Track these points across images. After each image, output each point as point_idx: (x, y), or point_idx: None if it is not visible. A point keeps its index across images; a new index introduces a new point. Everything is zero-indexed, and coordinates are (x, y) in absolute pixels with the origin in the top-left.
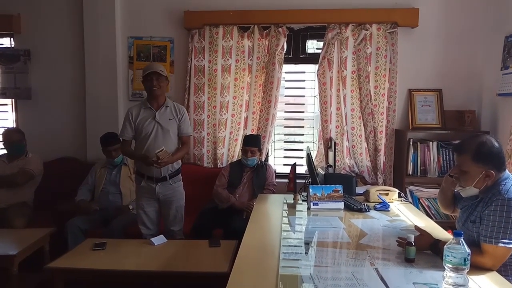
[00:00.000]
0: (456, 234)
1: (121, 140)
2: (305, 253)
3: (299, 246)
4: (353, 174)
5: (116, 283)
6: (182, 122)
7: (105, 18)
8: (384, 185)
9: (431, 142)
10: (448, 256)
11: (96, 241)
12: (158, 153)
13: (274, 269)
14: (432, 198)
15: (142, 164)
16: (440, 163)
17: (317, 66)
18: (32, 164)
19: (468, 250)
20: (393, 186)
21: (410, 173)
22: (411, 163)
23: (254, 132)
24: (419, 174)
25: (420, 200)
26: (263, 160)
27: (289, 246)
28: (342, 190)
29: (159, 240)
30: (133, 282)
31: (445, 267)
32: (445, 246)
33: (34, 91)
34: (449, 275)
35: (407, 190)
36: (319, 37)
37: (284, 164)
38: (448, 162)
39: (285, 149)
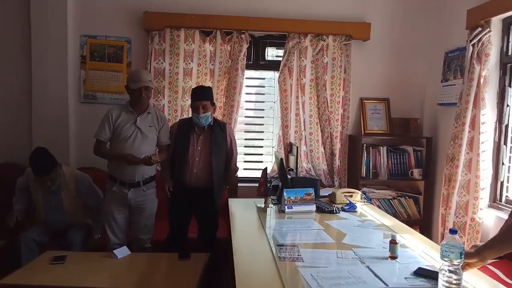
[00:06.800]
0: (452, 231)
1: (96, 140)
2: (298, 255)
3: (290, 248)
4: (317, 178)
5: None
6: (161, 131)
7: (55, 14)
8: (340, 187)
9: (381, 147)
10: (445, 251)
11: (56, 254)
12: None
13: (276, 273)
14: (382, 198)
15: (118, 166)
16: (389, 166)
17: (276, 73)
18: None
19: (462, 245)
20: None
21: (364, 175)
22: (365, 167)
23: None
24: (371, 176)
25: (372, 201)
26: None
27: (281, 249)
28: (314, 193)
29: (122, 252)
30: None
31: (442, 262)
32: (442, 243)
33: None
34: (446, 268)
35: (361, 191)
36: (278, 45)
37: (244, 169)
38: (396, 165)
39: (245, 154)
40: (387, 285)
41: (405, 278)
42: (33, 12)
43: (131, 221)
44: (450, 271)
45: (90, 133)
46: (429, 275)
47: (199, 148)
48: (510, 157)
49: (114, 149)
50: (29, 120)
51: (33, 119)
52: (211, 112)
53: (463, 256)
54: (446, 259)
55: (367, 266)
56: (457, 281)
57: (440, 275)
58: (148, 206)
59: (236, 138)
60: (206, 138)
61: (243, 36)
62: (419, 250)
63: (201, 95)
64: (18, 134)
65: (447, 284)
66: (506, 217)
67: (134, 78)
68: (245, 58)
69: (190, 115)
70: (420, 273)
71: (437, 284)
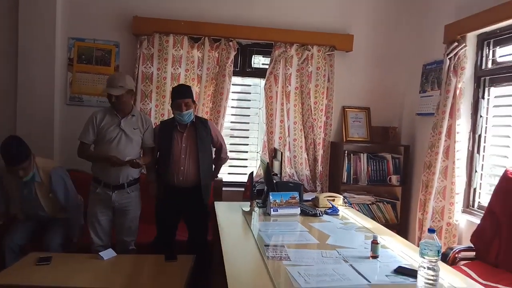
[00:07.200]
0: (430, 231)
1: (80, 142)
2: (285, 254)
3: (277, 248)
4: (301, 182)
5: None
6: (146, 133)
7: (43, 16)
8: (322, 192)
9: (361, 154)
10: (424, 249)
11: (41, 255)
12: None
13: (265, 272)
14: (362, 203)
15: (102, 169)
16: (369, 172)
17: (262, 80)
18: None
19: (440, 244)
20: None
21: (345, 181)
22: (346, 172)
23: None
24: (351, 182)
25: (352, 206)
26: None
27: (268, 249)
28: (298, 197)
29: (108, 254)
30: None
31: (421, 259)
32: (421, 242)
33: None
34: (425, 265)
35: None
36: (264, 53)
37: (229, 173)
38: (375, 172)
39: (230, 158)
40: (370, 282)
41: (386, 276)
42: (21, 12)
43: (115, 223)
44: (428, 268)
45: (75, 135)
46: (408, 273)
47: (183, 145)
48: (482, 165)
49: (98, 151)
50: (14, 121)
51: (18, 119)
52: (193, 109)
53: (440, 254)
54: (425, 257)
55: (351, 265)
56: (434, 277)
57: (419, 271)
58: (132, 208)
59: None
60: (189, 134)
61: (231, 43)
62: (398, 250)
63: (183, 93)
64: (2, 134)
65: (425, 280)
66: (478, 221)
67: (107, 83)
68: (233, 65)
69: None
70: (400, 271)
71: (415, 281)
